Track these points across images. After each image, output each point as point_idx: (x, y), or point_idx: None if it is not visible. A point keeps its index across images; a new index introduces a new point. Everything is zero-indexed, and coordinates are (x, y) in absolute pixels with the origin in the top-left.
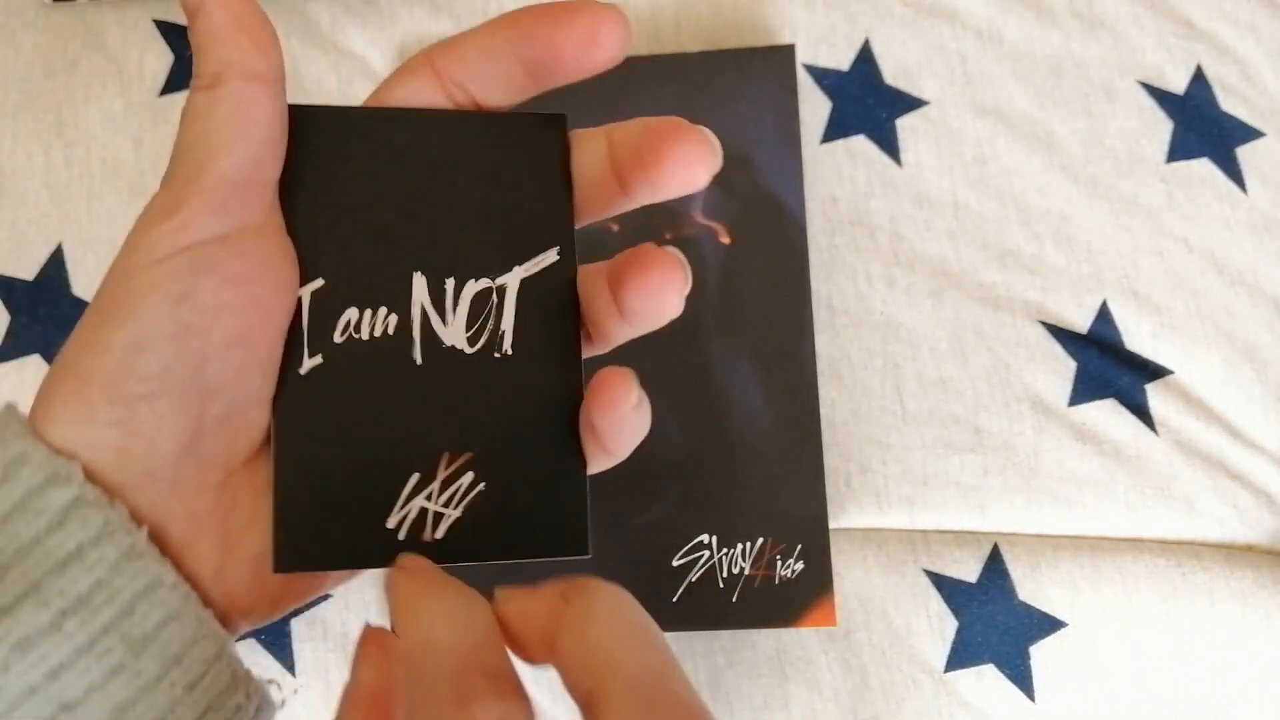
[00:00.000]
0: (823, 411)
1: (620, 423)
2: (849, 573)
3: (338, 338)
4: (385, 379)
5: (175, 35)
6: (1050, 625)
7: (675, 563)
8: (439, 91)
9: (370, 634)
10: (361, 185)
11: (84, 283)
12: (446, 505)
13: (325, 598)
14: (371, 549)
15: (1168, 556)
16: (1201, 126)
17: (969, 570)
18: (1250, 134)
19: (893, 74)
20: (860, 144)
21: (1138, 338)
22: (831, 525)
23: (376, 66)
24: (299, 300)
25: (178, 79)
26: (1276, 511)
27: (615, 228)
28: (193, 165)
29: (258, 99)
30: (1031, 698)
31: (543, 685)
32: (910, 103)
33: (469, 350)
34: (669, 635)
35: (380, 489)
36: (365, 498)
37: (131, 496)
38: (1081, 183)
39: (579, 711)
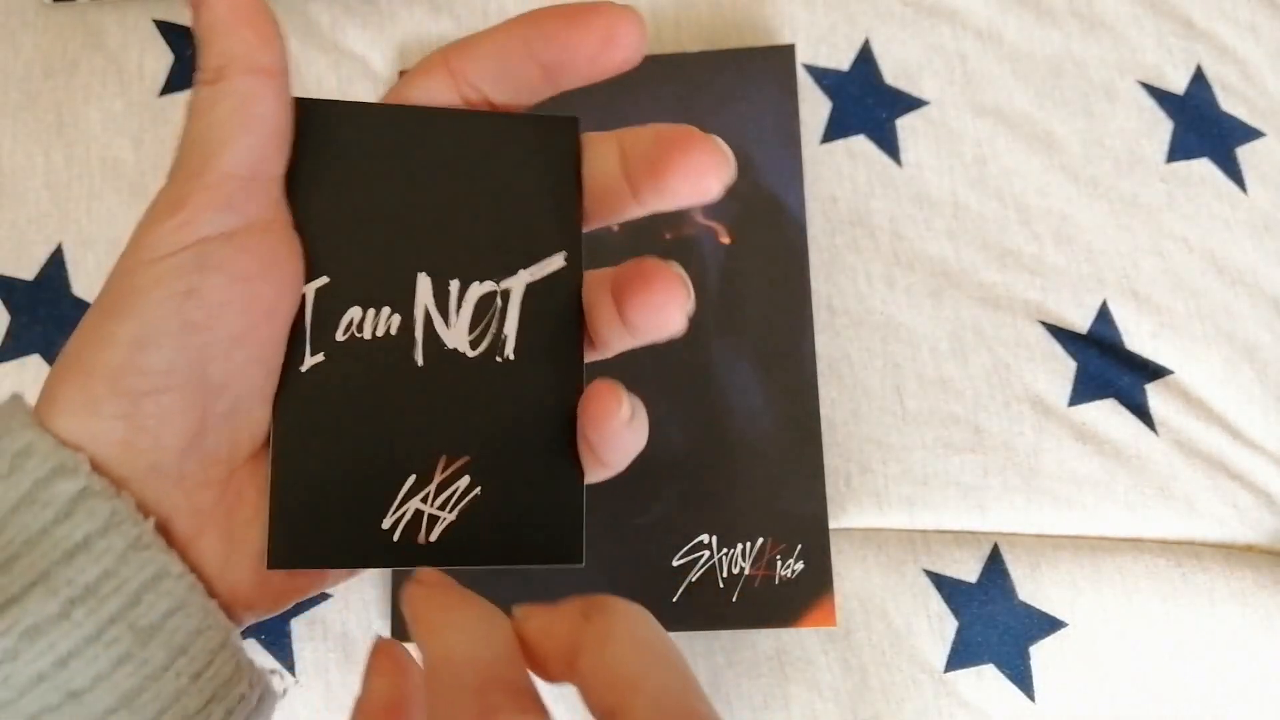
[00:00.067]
0: (823, 411)
1: (612, 437)
2: (849, 573)
3: (340, 336)
4: (386, 380)
5: (175, 35)
6: (1050, 625)
7: (675, 563)
8: (453, 91)
9: (382, 645)
10: (369, 182)
11: (84, 283)
12: (442, 508)
13: (325, 597)
14: (366, 549)
15: (1168, 556)
16: (1201, 126)
17: (969, 570)
18: (1250, 134)
19: (893, 74)
20: (860, 144)
21: (1138, 338)
22: (831, 525)
23: (376, 66)
24: (302, 298)
25: (178, 79)
26: (1276, 511)
27: (615, 228)
28: (197, 161)
29: (262, 93)
30: (1031, 698)
31: (561, 703)
32: (910, 103)
33: (471, 353)
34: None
35: (377, 489)
36: (361, 498)
37: (137, 489)
38: (1081, 183)
39: None
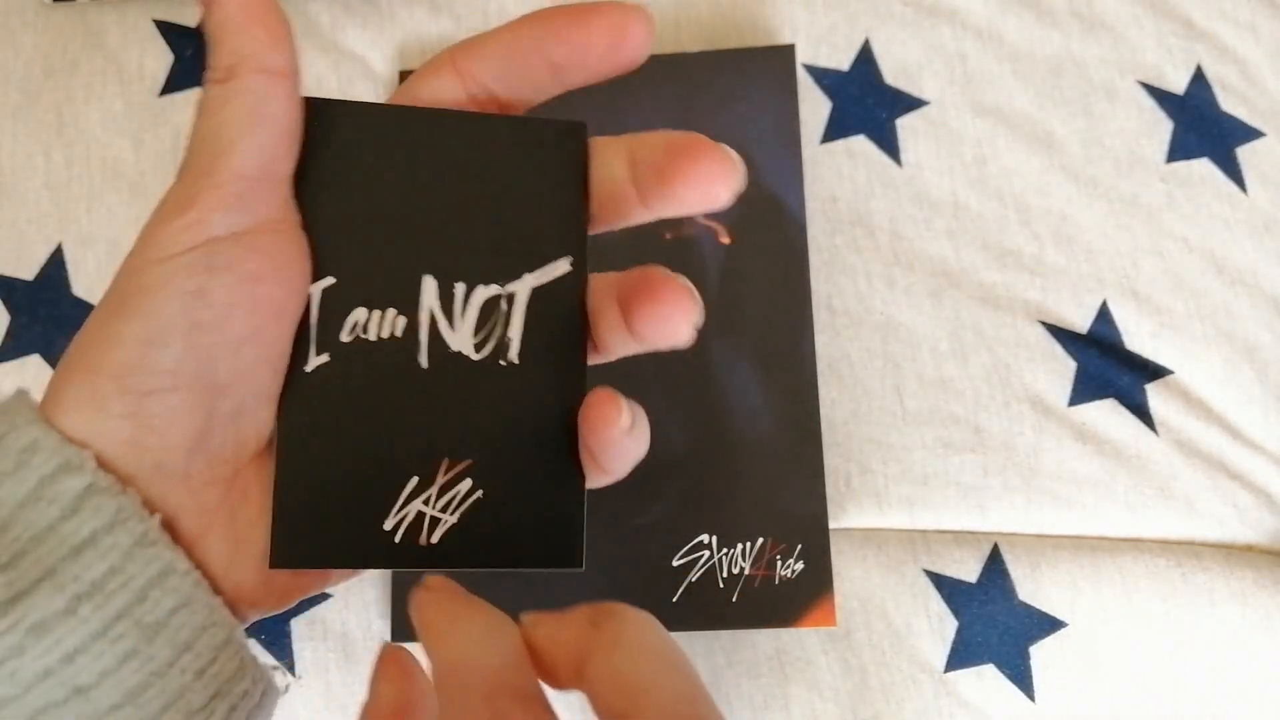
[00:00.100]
0: (823, 411)
1: (611, 445)
2: (849, 573)
3: (345, 337)
4: (389, 381)
5: (175, 35)
6: (1050, 625)
7: (675, 563)
8: (461, 90)
9: (389, 652)
10: (377, 183)
11: (84, 283)
12: (443, 510)
13: (325, 597)
14: (367, 550)
15: (1168, 556)
16: (1201, 126)
17: (969, 570)
18: (1250, 134)
19: (893, 74)
20: (860, 144)
21: (1138, 338)
22: (831, 525)
23: (376, 66)
24: (309, 297)
25: (178, 79)
26: (1276, 511)
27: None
28: (207, 160)
29: (272, 93)
30: (1031, 698)
31: (570, 711)
32: (910, 103)
33: (475, 356)
34: None
35: (379, 491)
36: (363, 498)
37: (143, 487)
38: (1081, 183)
39: None
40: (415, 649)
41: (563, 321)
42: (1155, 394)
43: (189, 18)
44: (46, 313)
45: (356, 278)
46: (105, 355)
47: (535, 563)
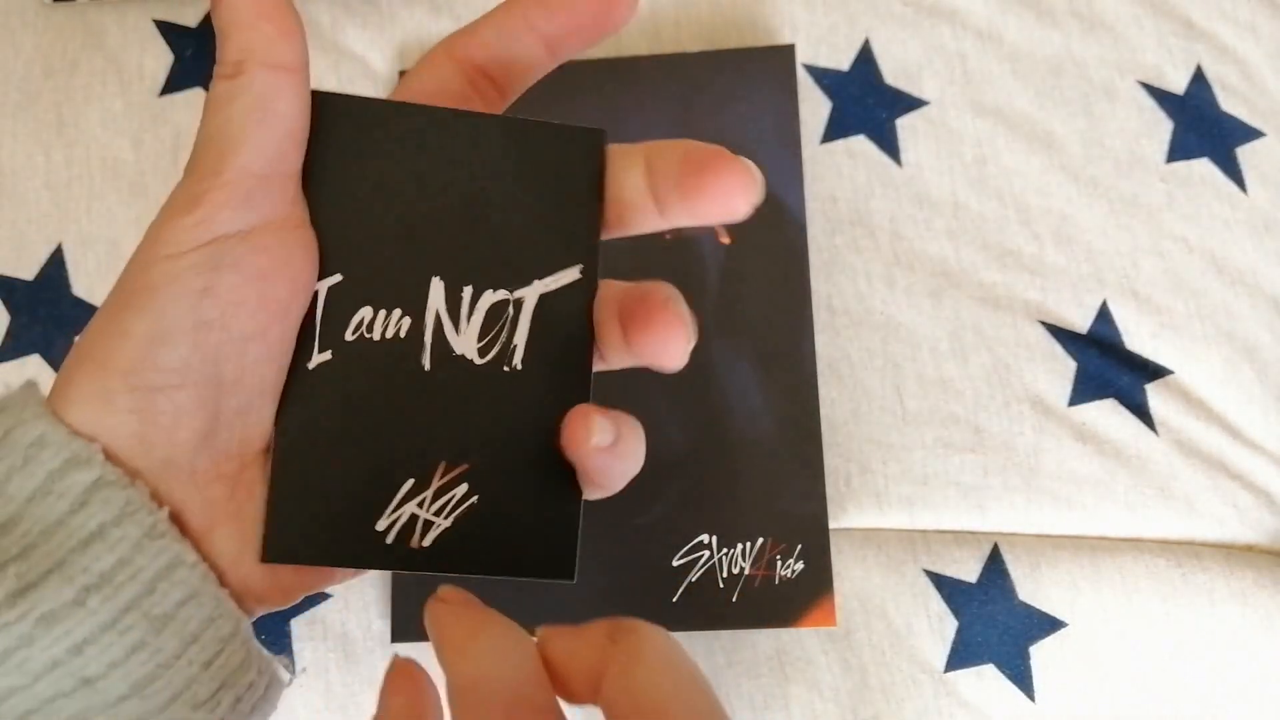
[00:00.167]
0: (823, 411)
1: (586, 461)
2: (849, 573)
3: (349, 336)
4: (391, 382)
5: (175, 35)
6: (1050, 625)
7: (675, 563)
8: (461, 77)
9: (399, 665)
10: (389, 181)
11: (84, 283)
12: (438, 514)
13: (325, 597)
14: (359, 550)
15: (1168, 556)
16: (1201, 126)
17: (969, 570)
18: (1250, 134)
19: (893, 74)
20: (860, 144)
21: (1138, 338)
22: (831, 525)
23: (376, 66)
24: (314, 294)
25: (178, 79)
26: (1276, 511)
27: None
28: (214, 157)
29: (280, 89)
30: (1031, 698)
31: None
32: (910, 103)
33: (478, 361)
34: None
35: (374, 491)
36: (358, 498)
37: (150, 482)
38: (1081, 183)
39: None
40: (415, 649)
41: (569, 330)
42: (1155, 394)
43: (189, 18)
44: (46, 313)
45: (363, 276)
46: (113, 351)
47: (527, 571)
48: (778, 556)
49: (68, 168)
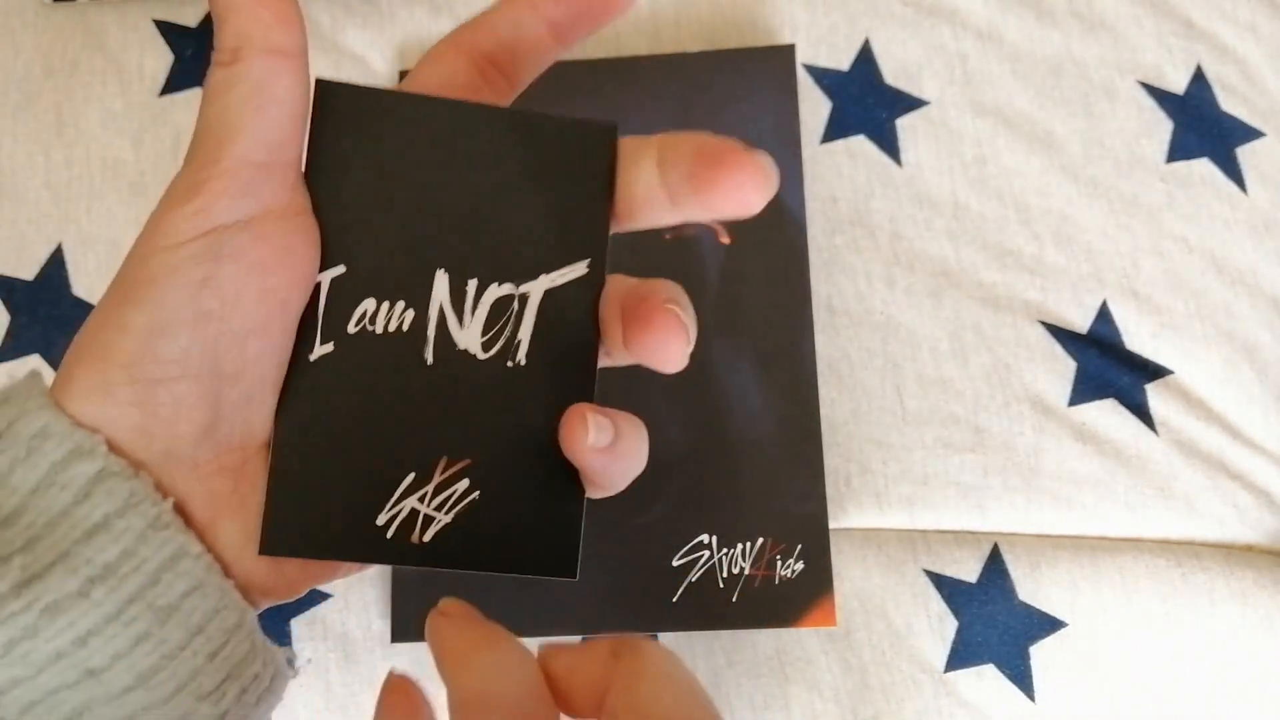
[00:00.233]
0: (823, 411)
1: (582, 461)
2: (849, 573)
3: (351, 328)
4: (393, 375)
5: (175, 35)
6: (1050, 625)
7: (675, 563)
8: (471, 68)
9: (395, 682)
10: (396, 172)
11: (84, 283)
12: (438, 510)
13: (325, 597)
14: (358, 544)
15: (1168, 556)
16: (1201, 126)
17: (969, 570)
18: (1250, 134)
19: (893, 74)
20: (860, 144)
21: (1138, 338)
22: (831, 525)
23: (376, 66)
24: (318, 286)
25: (178, 79)
26: (1276, 511)
27: None
28: (212, 145)
29: (278, 76)
30: (1031, 698)
31: None
32: (910, 103)
33: (482, 356)
34: (669, 635)
35: (374, 485)
36: (358, 492)
37: (153, 473)
38: (1081, 183)
39: None
40: (415, 649)
41: (575, 326)
42: (1155, 394)
43: (189, 18)
44: (46, 313)
45: (367, 268)
46: (113, 343)
47: (528, 569)
48: (778, 556)
49: (68, 168)
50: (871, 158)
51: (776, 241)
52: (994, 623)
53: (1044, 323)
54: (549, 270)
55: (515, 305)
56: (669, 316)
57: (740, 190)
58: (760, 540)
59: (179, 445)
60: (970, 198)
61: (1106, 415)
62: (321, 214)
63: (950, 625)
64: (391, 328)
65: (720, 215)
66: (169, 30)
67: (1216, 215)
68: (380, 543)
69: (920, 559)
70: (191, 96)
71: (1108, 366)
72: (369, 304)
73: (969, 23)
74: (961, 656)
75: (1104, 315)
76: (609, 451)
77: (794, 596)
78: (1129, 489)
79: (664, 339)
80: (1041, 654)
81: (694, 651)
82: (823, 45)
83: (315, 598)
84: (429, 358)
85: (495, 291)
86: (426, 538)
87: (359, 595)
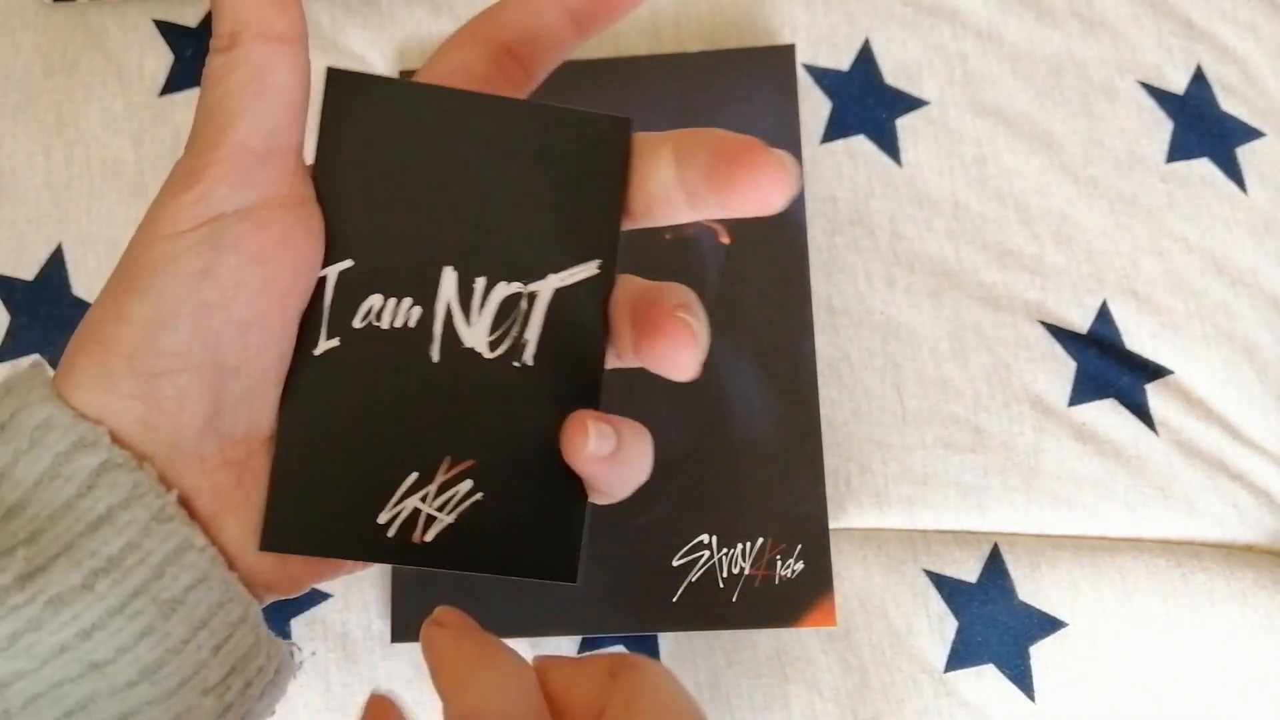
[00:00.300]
0: (823, 411)
1: (583, 468)
2: (849, 573)
3: (357, 323)
4: (398, 372)
5: (175, 35)
6: (1050, 625)
7: (675, 563)
8: (489, 58)
9: (375, 702)
10: (405, 166)
11: (84, 283)
12: (440, 510)
13: (325, 597)
14: (359, 542)
15: (1168, 556)
16: (1201, 126)
17: (969, 570)
18: (1250, 134)
19: (893, 74)
20: (860, 144)
21: (1138, 338)
22: (831, 525)
23: (376, 66)
24: (324, 279)
25: (178, 79)
26: (1276, 511)
27: None
28: (212, 133)
29: (276, 61)
30: (1031, 698)
31: None
32: (910, 103)
33: (488, 355)
34: (669, 635)
35: (376, 483)
36: (360, 490)
37: (157, 466)
38: (1081, 183)
39: None
40: (415, 650)
41: (583, 327)
42: (1155, 394)
43: (189, 18)
44: (46, 313)
45: (375, 263)
46: (115, 334)
47: (529, 572)
48: (778, 556)
49: (68, 168)
50: (871, 158)
51: (776, 241)
52: (994, 623)
53: (1044, 323)
54: (559, 269)
55: (523, 304)
56: (680, 325)
57: (761, 190)
58: (760, 540)
59: (182, 438)
60: (970, 198)
61: (1106, 415)
62: (329, 206)
63: (950, 625)
64: (398, 324)
65: (739, 214)
66: (169, 30)
67: (1216, 215)
68: (381, 541)
69: (920, 559)
70: (191, 96)
71: (1108, 366)
72: (375, 299)
73: (969, 23)
74: (961, 656)
75: (1104, 315)
76: (610, 460)
77: (794, 596)
78: (1129, 489)
79: (674, 348)
80: (1041, 654)
81: (694, 651)
82: (823, 45)
83: (315, 597)
84: (435, 356)
85: (504, 290)
86: (428, 537)
87: (359, 595)
